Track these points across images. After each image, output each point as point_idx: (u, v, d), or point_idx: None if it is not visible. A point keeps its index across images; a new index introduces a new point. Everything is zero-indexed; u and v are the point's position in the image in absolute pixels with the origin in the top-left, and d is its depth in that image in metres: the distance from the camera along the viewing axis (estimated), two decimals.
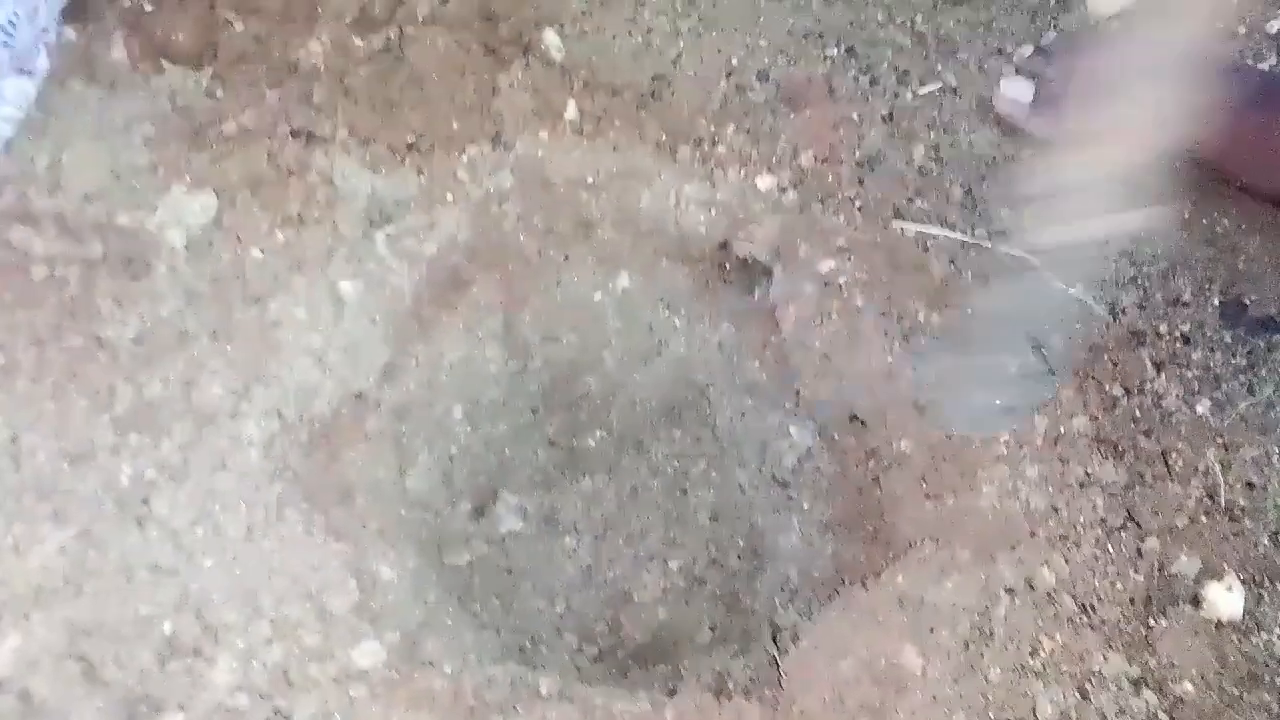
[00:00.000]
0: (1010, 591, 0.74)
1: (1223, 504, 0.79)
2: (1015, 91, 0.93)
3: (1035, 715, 0.68)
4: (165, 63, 0.90)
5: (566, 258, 1.01)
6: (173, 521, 0.69)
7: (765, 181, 0.95)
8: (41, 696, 0.60)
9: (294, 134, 0.89)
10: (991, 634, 0.72)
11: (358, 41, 0.93)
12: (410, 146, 0.92)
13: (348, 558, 0.71)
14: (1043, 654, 0.71)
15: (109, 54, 0.91)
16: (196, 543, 0.69)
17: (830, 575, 0.93)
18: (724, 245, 0.97)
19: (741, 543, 1.04)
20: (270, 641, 0.66)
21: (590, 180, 0.97)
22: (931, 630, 0.72)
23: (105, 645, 0.63)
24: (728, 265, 0.99)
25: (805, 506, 1.00)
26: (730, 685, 0.82)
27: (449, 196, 0.91)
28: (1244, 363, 0.86)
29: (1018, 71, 0.95)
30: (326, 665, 0.66)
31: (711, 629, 1.00)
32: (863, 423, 0.92)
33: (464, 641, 0.71)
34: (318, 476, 0.73)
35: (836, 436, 0.96)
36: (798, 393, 0.98)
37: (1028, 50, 0.96)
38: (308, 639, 0.67)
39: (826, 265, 0.93)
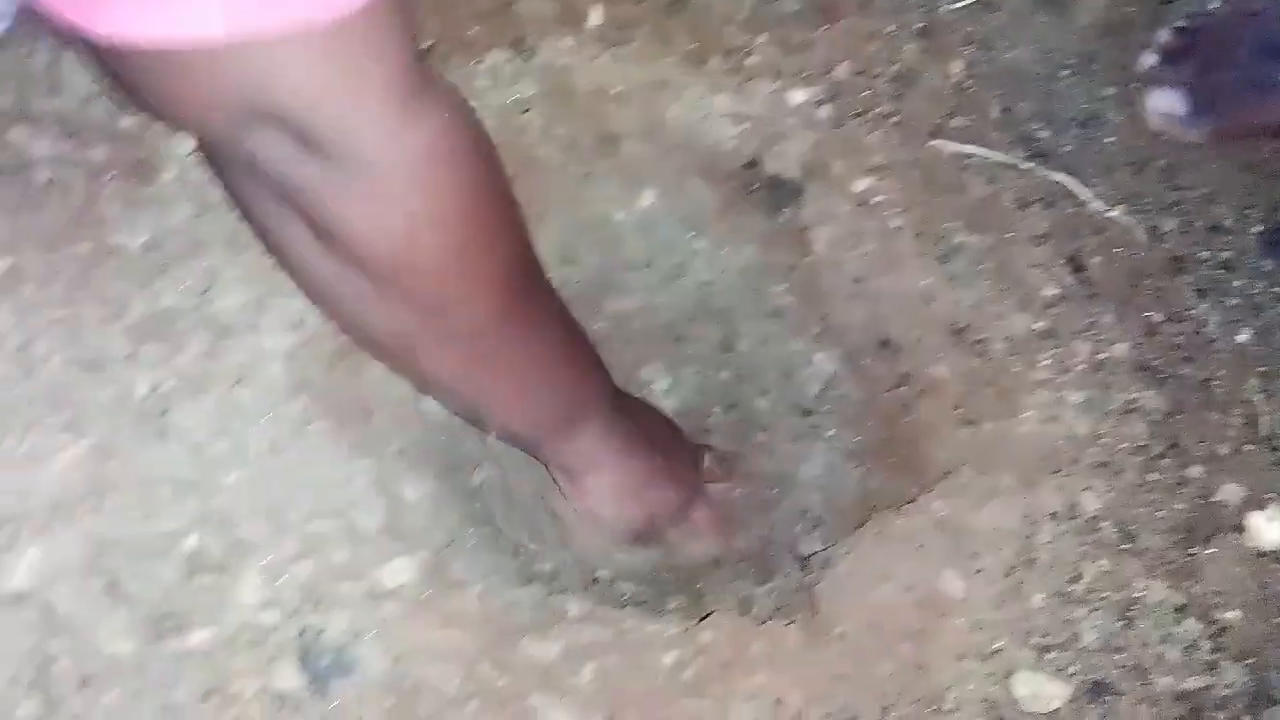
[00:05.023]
0: (1052, 518, 0.73)
1: (1264, 433, 0.78)
2: (1167, 104, 0.88)
3: (1078, 642, 0.67)
4: None
5: (588, 174, 0.97)
6: (193, 435, 0.67)
7: (798, 96, 0.92)
8: (65, 611, 0.58)
9: None
10: (1033, 560, 0.70)
11: None
12: (426, 52, 0.88)
13: (373, 476, 0.68)
14: (1085, 581, 0.70)
15: None
16: (218, 457, 0.66)
17: (858, 503, 0.91)
18: (753, 163, 0.94)
19: (767, 472, 1.02)
20: (297, 558, 0.64)
21: (615, 91, 0.93)
22: (972, 556, 0.70)
23: (127, 560, 0.61)
24: (756, 184, 0.96)
25: (830, 434, 0.98)
26: (755, 610, 0.81)
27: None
28: None
29: (1161, 58, 0.90)
30: (356, 583, 0.64)
31: (740, 560, 0.98)
32: (894, 348, 0.89)
33: (488, 563, 0.69)
34: (340, 392, 0.70)
35: (865, 363, 0.93)
36: (825, 318, 0.96)
37: (1164, 35, 0.91)
38: (336, 556, 0.65)
39: (861, 184, 0.90)
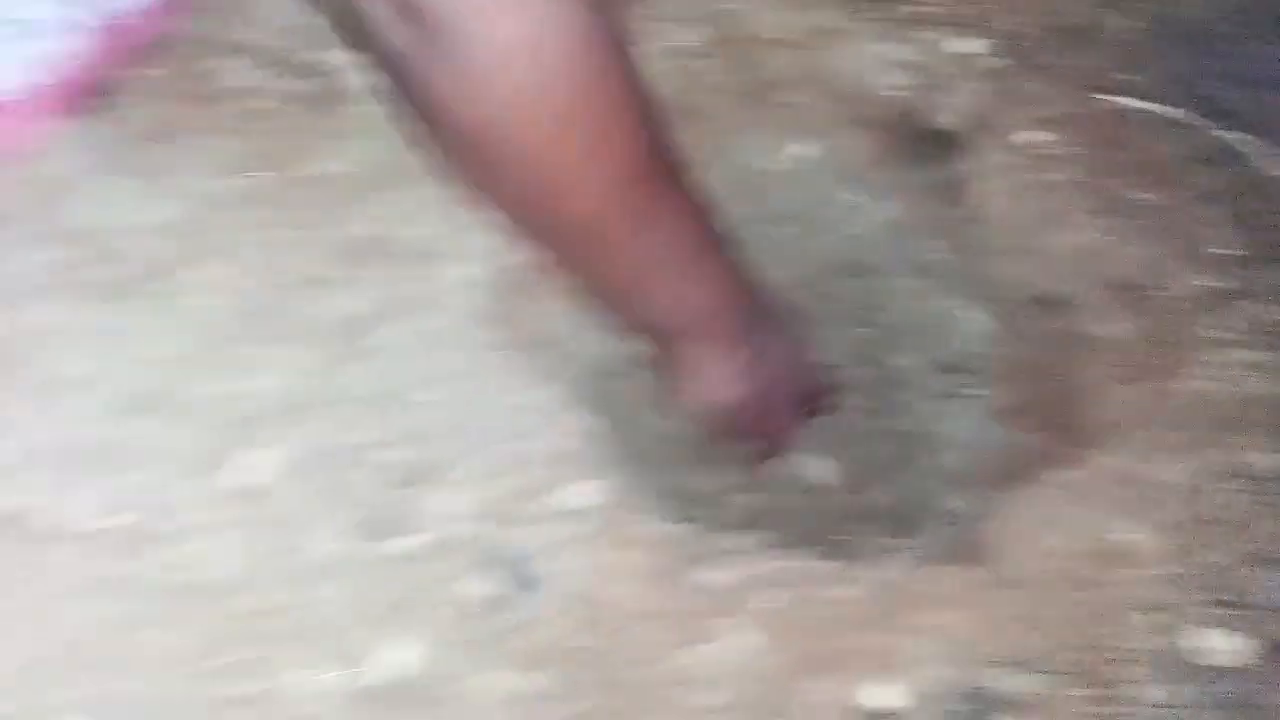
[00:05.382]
0: (1225, 476, 0.72)
1: None
2: None
3: (1255, 601, 0.67)
4: None
5: (744, 121, 0.97)
6: (384, 357, 0.70)
7: (964, 45, 0.91)
8: (284, 509, 0.62)
9: None
10: (1207, 518, 0.70)
11: None
12: None
13: (554, 404, 0.71)
14: (1261, 540, 0.69)
15: None
16: (413, 377, 0.69)
17: (1007, 460, 0.91)
18: (913, 113, 0.93)
19: (901, 429, 1.02)
20: (486, 477, 0.67)
21: (777, 37, 0.93)
22: (1143, 510, 0.70)
23: (336, 467, 0.65)
24: (915, 135, 0.95)
25: (977, 392, 0.97)
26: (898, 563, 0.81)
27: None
28: None
29: None
30: (540, 503, 0.67)
31: (871, 512, 0.98)
32: (1055, 305, 0.89)
33: (665, 492, 0.71)
34: (525, 323, 0.73)
35: (1022, 320, 0.92)
36: (979, 274, 0.95)
37: None
38: (521, 477, 0.67)
39: (1026, 137, 0.89)
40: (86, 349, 0.63)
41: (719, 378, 0.67)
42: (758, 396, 0.70)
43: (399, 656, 0.59)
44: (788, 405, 0.76)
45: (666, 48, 0.90)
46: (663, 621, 0.63)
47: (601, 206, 0.52)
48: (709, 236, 0.61)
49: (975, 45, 0.90)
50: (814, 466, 0.98)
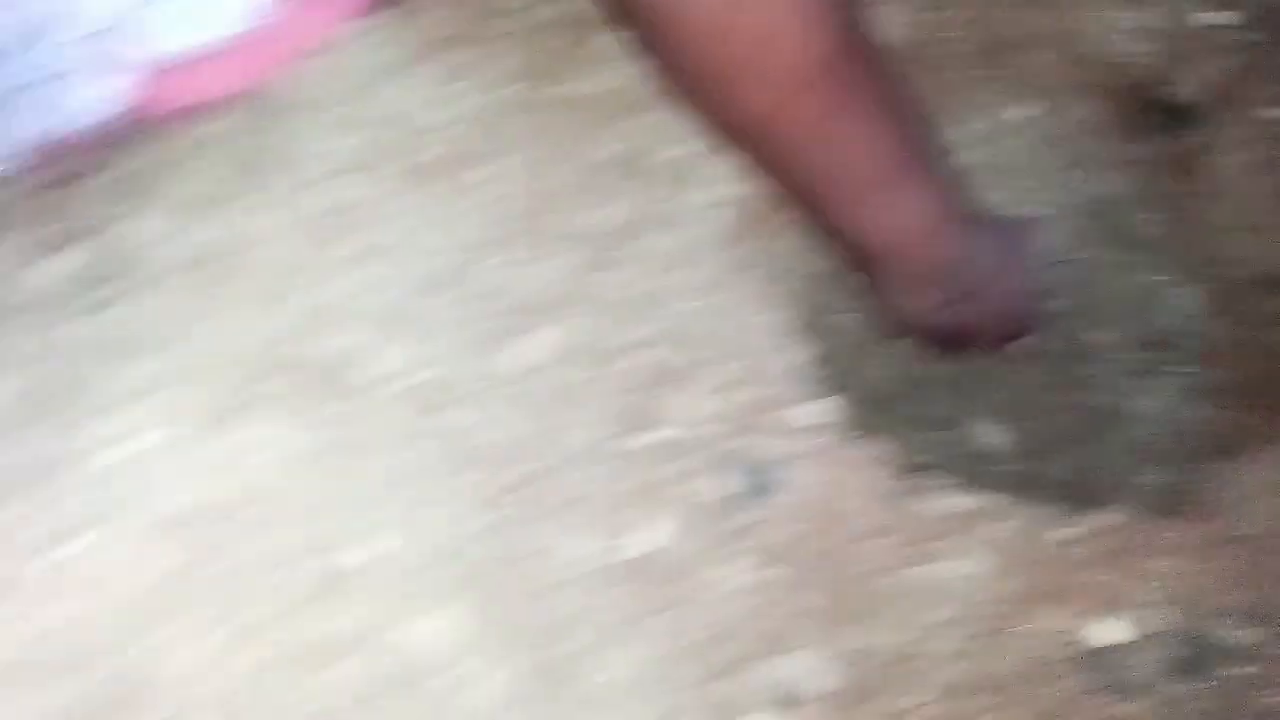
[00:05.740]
0: None
1: None
2: None
3: None
4: None
5: (970, 79, 0.98)
6: (634, 267, 0.74)
7: (1212, 16, 0.89)
8: (547, 395, 0.67)
9: None
10: None
11: None
12: None
13: (788, 326, 0.74)
14: None
15: None
16: (654, 289, 0.73)
17: (1214, 437, 0.90)
18: (1149, 82, 0.92)
19: (1088, 403, 1.01)
20: (728, 386, 0.70)
21: None
22: None
23: (590, 363, 0.69)
24: (1147, 104, 0.94)
25: (1180, 370, 0.96)
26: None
27: None
28: None
29: None
30: (771, 417, 0.70)
31: (1045, 481, 0.98)
32: (1277, 285, 0.87)
33: (894, 419, 0.73)
34: (762, 247, 0.76)
35: (1245, 300, 0.91)
36: (1201, 250, 0.94)
37: None
38: (760, 390, 0.70)
39: (1270, 113, 0.87)
40: (386, 228, 0.68)
41: (925, 296, 0.69)
42: (964, 316, 0.72)
43: (643, 540, 0.63)
44: (993, 327, 0.77)
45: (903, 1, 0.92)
46: (889, 539, 0.65)
47: (775, 102, 0.54)
48: (912, 151, 0.62)
49: (1224, 17, 0.89)
50: (987, 432, 0.99)
